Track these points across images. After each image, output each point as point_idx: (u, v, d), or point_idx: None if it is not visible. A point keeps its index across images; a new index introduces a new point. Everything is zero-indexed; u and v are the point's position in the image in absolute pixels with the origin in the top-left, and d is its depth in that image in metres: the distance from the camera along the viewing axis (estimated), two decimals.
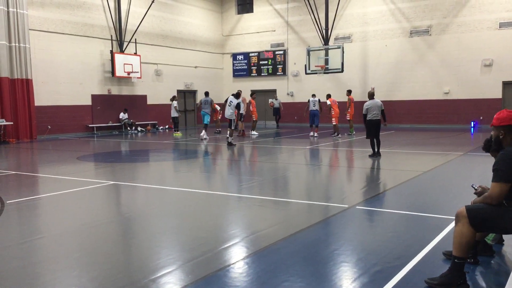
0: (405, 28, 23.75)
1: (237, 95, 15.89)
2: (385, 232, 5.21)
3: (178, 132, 20.64)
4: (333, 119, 18.54)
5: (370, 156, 11.70)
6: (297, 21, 26.67)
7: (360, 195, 7.44)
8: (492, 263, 4.20)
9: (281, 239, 4.89)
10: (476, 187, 4.09)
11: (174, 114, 20.34)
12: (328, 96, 19.14)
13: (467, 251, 3.61)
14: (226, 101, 16.40)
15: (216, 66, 29.14)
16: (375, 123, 11.54)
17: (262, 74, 28.16)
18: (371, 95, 11.88)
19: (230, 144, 14.94)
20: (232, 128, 15.27)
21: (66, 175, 9.49)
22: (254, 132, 19.66)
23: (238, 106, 15.56)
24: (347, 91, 19.29)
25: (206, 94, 19.28)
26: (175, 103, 20.32)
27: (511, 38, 21.26)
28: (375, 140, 11.66)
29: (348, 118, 19.12)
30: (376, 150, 11.69)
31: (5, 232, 5.49)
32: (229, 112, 15.54)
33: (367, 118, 11.59)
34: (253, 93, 21.66)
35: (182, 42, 26.40)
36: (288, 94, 27.22)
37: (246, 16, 28.58)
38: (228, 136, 15.19)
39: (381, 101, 12.18)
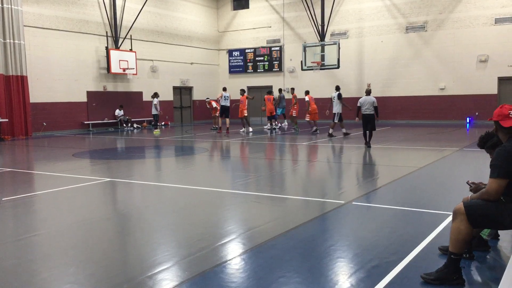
0: (401, 24, 23.75)
1: (337, 88, 17.07)
2: (381, 228, 5.22)
3: (157, 130, 20.40)
4: (307, 115, 18.58)
5: (365, 144, 12.99)
6: (293, 17, 26.62)
7: (356, 191, 7.46)
8: (488, 258, 4.22)
9: (278, 235, 4.89)
10: (470, 183, 4.09)
11: (154, 111, 20.31)
12: (307, 93, 19.13)
13: (464, 248, 3.62)
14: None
15: (212, 62, 29.06)
16: (368, 117, 12.92)
17: (258, 70, 28.10)
18: (367, 92, 13.27)
19: (330, 135, 16.20)
20: (335, 121, 16.38)
21: (61, 172, 9.46)
22: (250, 129, 19.48)
23: (339, 97, 16.46)
24: (291, 88, 20.65)
25: (280, 90, 21.80)
26: (155, 100, 20.23)
27: (507, 34, 21.32)
28: (367, 132, 12.95)
29: (294, 115, 19.80)
30: (367, 140, 12.95)
31: (1, 230, 5.47)
32: (334, 107, 16.57)
33: (362, 112, 12.97)
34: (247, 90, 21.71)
35: (178, 38, 26.30)
36: (284, 90, 27.15)
37: (242, 12, 28.48)
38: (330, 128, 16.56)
39: (377, 97, 13.47)
